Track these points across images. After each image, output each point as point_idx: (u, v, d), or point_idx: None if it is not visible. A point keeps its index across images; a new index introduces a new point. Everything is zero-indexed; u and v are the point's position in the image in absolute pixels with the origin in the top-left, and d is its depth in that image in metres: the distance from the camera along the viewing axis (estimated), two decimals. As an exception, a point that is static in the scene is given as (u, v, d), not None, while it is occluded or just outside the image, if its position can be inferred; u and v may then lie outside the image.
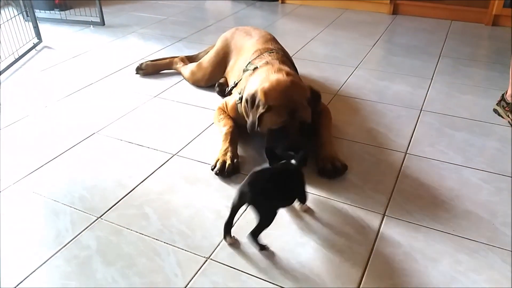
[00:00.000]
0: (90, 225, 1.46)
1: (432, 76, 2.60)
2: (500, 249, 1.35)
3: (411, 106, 2.23)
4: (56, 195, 1.60)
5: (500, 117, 2.12)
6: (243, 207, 1.37)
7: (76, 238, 1.41)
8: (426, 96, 2.35)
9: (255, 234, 1.33)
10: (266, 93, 1.70)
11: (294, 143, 1.65)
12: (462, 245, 1.37)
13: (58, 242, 1.39)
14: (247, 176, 1.36)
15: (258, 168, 1.40)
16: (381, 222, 1.47)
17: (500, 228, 1.44)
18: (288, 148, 1.55)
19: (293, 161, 1.44)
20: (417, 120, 2.10)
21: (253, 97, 1.74)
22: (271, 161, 1.46)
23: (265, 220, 1.32)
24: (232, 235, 1.38)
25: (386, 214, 1.50)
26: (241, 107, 1.86)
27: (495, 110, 2.17)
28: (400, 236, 1.41)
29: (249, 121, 1.77)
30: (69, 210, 1.53)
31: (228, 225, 1.37)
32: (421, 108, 2.22)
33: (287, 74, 1.77)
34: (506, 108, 2.08)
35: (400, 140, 1.93)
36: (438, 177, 1.69)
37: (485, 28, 3.51)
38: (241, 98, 1.87)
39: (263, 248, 1.34)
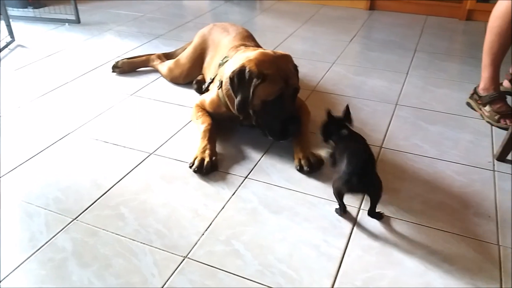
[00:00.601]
0: (65, 227, 1.44)
1: (408, 71, 2.63)
2: (472, 239, 1.39)
3: (386, 101, 2.26)
4: (30, 197, 1.57)
5: (473, 110, 2.17)
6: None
7: (51, 241, 1.39)
8: (401, 90, 2.38)
9: (373, 210, 1.46)
10: (257, 63, 1.70)
11: (290, 112, 1.71)
12: (436, 236, 1.40)
13: (32, 245, 1.37)
14: (348, 164, 1.38)
15: (350, 154, 1.43)
16: (357, 215, 1.48)
17: (472, 219, 1.47)
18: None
19: (344, 131, 1.52)
20: (393, 115, 2.13)
21: (241, 72, 1.71)
22: (328, 138, 1.56)
23: (378, 196, 1.43)
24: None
25: (361, 207, 1.52)
26: (223, 92, 1.84)
27: (468, 104, 2.21)
28: (376, 229, 1.43)
29: (237, 99, 1.73)
30: (44, 212, 1.51)
31: (343, 206, 1.46)
32: (397, 103, 2.25)
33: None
34: (479, 101, 2.12)
35: (376, 135, 1.96)
36: (413, 170, 1.72)
37: (459, 23, 3.57)
38: (221, 83, 1.86)
39: (382, 216, 1.46)
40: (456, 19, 3.63)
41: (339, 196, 1.45)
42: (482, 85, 2.13)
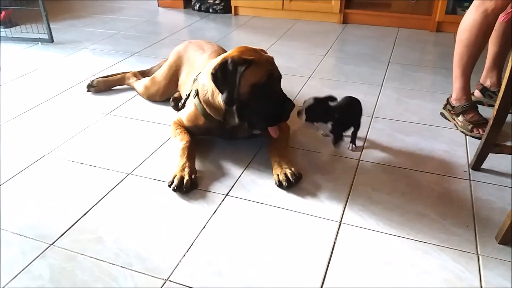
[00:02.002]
0: (41, 253, 1.40)
1: (382, 83, 2.69)
2: (450, 249, 1.41)
3: (363, 113, 2.29)
4: (4, 224, 1.52)
5: (447, 120, 2.22)
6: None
7: (26, 268, 1.34)
8: (376, 102, 2.43)
9: (353, 140, 1.95)
10: (239, 53, 1.73)
11: (283, 94, 1.75)
12: (416, 247, 1.42)
13: (7, 274, 1.33)
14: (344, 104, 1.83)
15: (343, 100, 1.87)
16: (338, 230, 1.49)
17: (450, 229, 1.49)
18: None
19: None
20: (369, 127, 2.16)
21: (223, 64, 1.70)
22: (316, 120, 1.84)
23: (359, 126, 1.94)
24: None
25: (342, 221, 1.53)
26: (200, 100, 1.85)
27: (442, 114, 2.26)
28: (357, 243, 1.43)
29: (224, 94, 1.71)
30: (19, 238, 1.46)
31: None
32: (372, 115, 2.28)
33: None
34: (452, 112, 2.18)
35: (354, 148, 1.98)
36: (391, 182, 1.75)
37: (430, 34, 3.68)
38: (196, 91, 1.88)
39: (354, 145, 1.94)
40: (427, 30, 3.73)
41: (336, 140, 1.88)
42: (454, 95, 2.19)
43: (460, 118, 2.12)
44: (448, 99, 2.24)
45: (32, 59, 3.09)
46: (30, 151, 1.95)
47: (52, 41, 3.43)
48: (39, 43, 3.41)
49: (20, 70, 2.89)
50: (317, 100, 1.80)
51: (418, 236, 1.46)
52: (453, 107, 2.17)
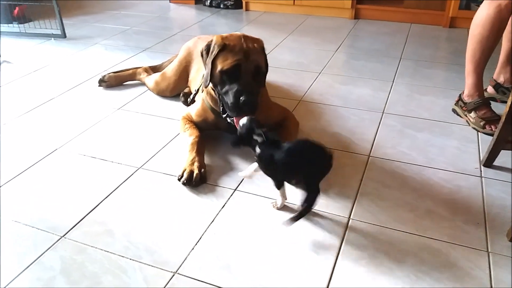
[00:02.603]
0: (53, 245, 1.42)
1: (394, 79, 2.66)
2: (461, 246, 1.40)
3: (373, 109, 2.28)
4: (17, 216, 1.55)
5: (459, 116, 2.19)
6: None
7: (38, 259, 1.36)
8: (387, 98, 2.41)
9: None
10: (223, 36, 1.76)
11: (247, 86, 1.67)
12: (425, 244, 1.41)
13: (20, 264, 1.35)
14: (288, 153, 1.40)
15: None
16: (347, 226, 1.49)
17: (460, 226, 1.48)
18: (250, 130, 1.50)
19: (257, 149, 1.46)
20: (380, 123, 2.15)
21: (208, 45, 1.78)
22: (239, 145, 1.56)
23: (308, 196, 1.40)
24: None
25: (351, 217, 1.52)
26: (205, 93, 1.88)
27: (453, 110, 2.24)
28: (365, 239, 1.43)
29: (205, 73, 1.78)
30: (31, 230, 1.48)
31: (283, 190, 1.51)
32: (383, 111, 2.27)
33: None
34: (464, 108, 2.15)
35: (363, 144, 1.97)
36: (401, 178, 1.73)
37: (443, 30, 3.63)
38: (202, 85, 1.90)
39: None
40: (440, 26, 3.69)
41: (274, 180, 1.51)
42: (466, 91, 2.16)
43: (472, 114, 2.09)
44: (460, 95, 2.21)
45: (45, 55, 3.13)
46: (43, 145, 1.97)
47: (65, 36, 3.46)
48: (52, 38, 3.45)
49: (33, 65, 2.92)
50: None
51: (428, 233, 1.45)
52: (465, 103, 2.15)
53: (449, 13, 3.61)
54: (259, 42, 1.81)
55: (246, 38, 1.78)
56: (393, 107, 2.31)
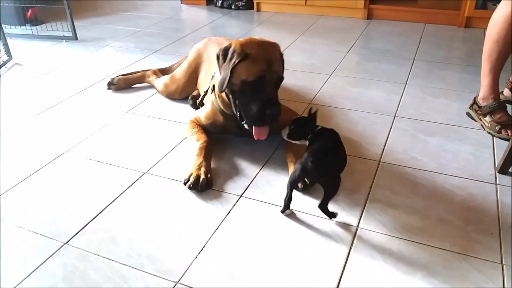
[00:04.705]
0: (56, 251, 1.41)
1: (406, 81, 2.60)
2: (473, 257, 1.34)
3: (385, 113, 2.23)
4: (22, 221, 1.54)
5: (473, 120, 2.13)
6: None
7: (41, 266, 1.35)
8: (400, 101, 2.35)
9: (324, 205, 1.45)
10: (242, 43, 1.70)
11: (272, 98, 1.67)
12: (437, 255, 1.36)
13: (23, 271, 1.34)
14: (309, 152, 1.45)
15: (315, 146, 1.51)
16: (355, 235, 1.44)
17: (473, 236, 1.43)
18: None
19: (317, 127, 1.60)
20: (391, 127, 2.09)
21: (226, 50, 1.72)
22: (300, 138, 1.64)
23: (332, 190, 1.45)
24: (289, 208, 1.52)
25: (359, 226, 1.48)
26: (215, 95, 1.86)
27: (468, 114, 2.17)
28: (374, 249, 1.38)
29: (221, 77, 1.73)
30: (35, 236, 1.47)
31: (289, 200, 1.49)
32: (395, 114, 2.21)
33: None
34: (478, 112, 2.09)
35: (374, 148, 1.92)
36: (412, 185, 1.68)
37: (458, 30, 3.55)
38: (213, 87, 1.88)
39: (333, 215, 1.47)
40: (455, 26, 3.60)
41: (291, 185, 1.47)
42: (481, 94, 2.09)
43: (487, 118, 2.03)
44: (475, 98, 2.14)
45: (56, 57, 3.14)
46: (50, 149, 1.97)
47: (76, 38, 3.48)
48: (64, 40, 3.46)
49: (44, 67, 2.94)
50: (297, 119, 1.69)
51: (439, 243, 1.40)
52: (480, 107, 2.08)
53: (465, 13, 3.52)
54: (278, 47, 1.78)
55: (266, 44, 1.74)
56: (406, 110, 2.25)
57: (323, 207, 1.47)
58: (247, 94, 1.69)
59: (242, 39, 1.76)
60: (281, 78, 1.75)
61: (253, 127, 1.73)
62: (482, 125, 2.06)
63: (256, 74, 1.66)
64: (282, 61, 1.80)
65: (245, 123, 1.76)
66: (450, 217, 1.51)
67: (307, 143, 1.60)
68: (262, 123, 1.70)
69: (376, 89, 2.50)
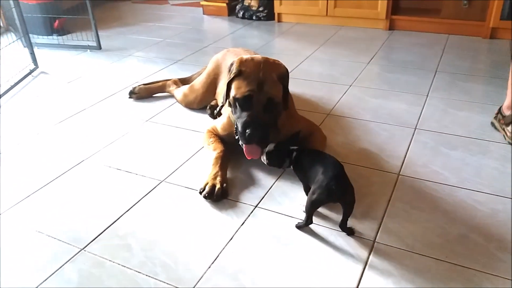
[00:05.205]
0: (72, 257, 1.43)
1: (428, 93, 2.56)
2: (495, 276, 1.29)
3: (405, 125, 2.19)
4: (41, 226, 1.57)
5: (496, 130, 2.07)
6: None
7: (57, 271, 1.37)
8: (421, 113, 2.31)
9: (344, 223, 1.45)
10: (242, 60, 1.76)
11: (254, 119, 1.68)
12: (456, 272, 1.31)
13: (40, 275, 1.36)
14: (325, 175, 1.42)
15: (321, 166, 1.48)
16: (371, 249, 1.41)
17: (495, 253, 1.38)
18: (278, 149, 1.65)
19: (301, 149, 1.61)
20: (411, 139, 2.06)
21: (231, 64, 1.80)
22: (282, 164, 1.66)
23: (352, 206, 1.44)
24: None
25: (376, 240, 1.45)
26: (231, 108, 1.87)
27: (492, 124, 2.13)
28: (390, 264, 1.35)
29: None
30: (53, 241, 1.50)
31: (310, 223, 1.48)
32: (416, 127, 2.17)
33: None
34: (501, 121, 2.03)
35: (393, 161, 1.89)
36: (432, 199, 1.64)
37: (482, 41, 3.48)
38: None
39: (352, 232, 1.46)
40: (479, 37, 3.53)
41: (315, 207, 1.46)
42: (506, 103, 2.04)
43: (510, 128, 1.97)
44: (500, 108, 2.09)
45: (80, 66, 3.21)
46: (71, 156, 2.01)
47: (100, 48, 3.56)
48: (88, 50, 3.55)
49: (68, 76, 3.01)
50: (278, 145, 1.66)
51: (459, 260, 1.35)
52: (504, 117, 2.03)
53: (490, 24, 3.45)
54: (279, 68, 1.77)
55: (266, 64, 1.74)
56: (427, 122, 2.21)
57: (343, 226, 1.46)
58: (236, 110, 1.74)
59: (248, 56, 1.79)
60: (272, 100, 1.71)
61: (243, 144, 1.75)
62: (504, 136, 2.01)
63: (244, 93, 1.70)
64: (283, 83, 1.77)
65: (237, 138, 1.78)
66: (471, 234, 1.46)
67: (289, 166, 1.64)
68: (244, 141, 1.71)
69: (396, 101, 2.46)
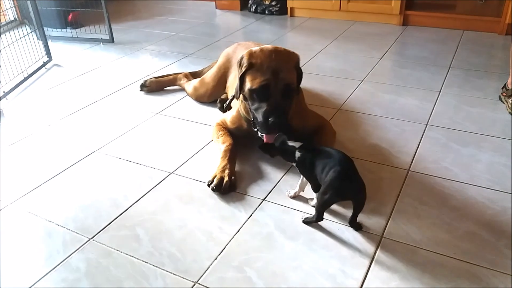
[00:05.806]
0: (81, 246, 1.45)
1: (441, 89, 2.52)
2: (503, 274, 1.28)
3: (416, 121, 2.17)
4: (51, 216, 1.59)
5: (502, 103, 2.22)
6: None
7: (66, 260, 1.39)
8: (433, 109, 2.28)
9: (354, 219, 1.45)
10: (251, 52, 1.75)
11: (276, 107, 1.66)
12: (463, 269, 1.30)
13: (48, 264, 1.38)
14: (334, 173, 1.37)
15: (334, 162, 1.41)
16: (378, 244, 1.40)
17: (504, 251, 1.36)
18: (283, 141, 1.57)
19: (297, 153, 1.51)
20: (422, 135, 2.03)
21: (241, 59, 1.78)
22: (270, 153, 1.62)
23: (363, 203, 1.42)
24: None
25: (384, 235, 1.44)
26: (240, 102, 1.88)
27: (499, 97, 2.27)
28: (397, 260, 1.34)
29: (236, 85, 1.80)
30: (62, 231, 1.52)
31: (321, 220, 1.46)
32: (427, 123, 2.15)
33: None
34: (503, 94, 2.17)
35: (403, 157, 1.87)
36: (441, 196, 1.62)
37: (498, 37, 3.42)
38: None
39: (360, 227, 1.46)
40: (495, 33, 3.47)
41: (326, 206, 1.45)
42: (510, 79, 2.18)
43: (511, 100, 2.10)
44: (505, 83, 2.25)
45: (93, 59, 3.24)
46: (82, 147, 2.03)
47: (113, 41, 3.58)
48: (101, 43, 3.58)
49: (81, 68, 3.04)
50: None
51: (467, 257, 1.34)
52: (507, 90, 2.16)
53: (506, 19, 3.39)
54: (292, 57, 1.77)
55: (277, 53, 1.73)
56: (438, 119, 2.19)
57: (353, 222, 1.46)
58: (254, 102, 1.72)
59: (257, 47, 1.77)
60: (289, 86, 1.71)
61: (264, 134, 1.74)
62: (506, 107, 2.15)
63: (260, 83, 1.68)
64: (297, 71, 1.77)
65: (257, 129, 1.77)
66: (480, 231, 1.45)
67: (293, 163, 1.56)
68: (268, 130, 1.69)
69: (408, 97, 2.44)
